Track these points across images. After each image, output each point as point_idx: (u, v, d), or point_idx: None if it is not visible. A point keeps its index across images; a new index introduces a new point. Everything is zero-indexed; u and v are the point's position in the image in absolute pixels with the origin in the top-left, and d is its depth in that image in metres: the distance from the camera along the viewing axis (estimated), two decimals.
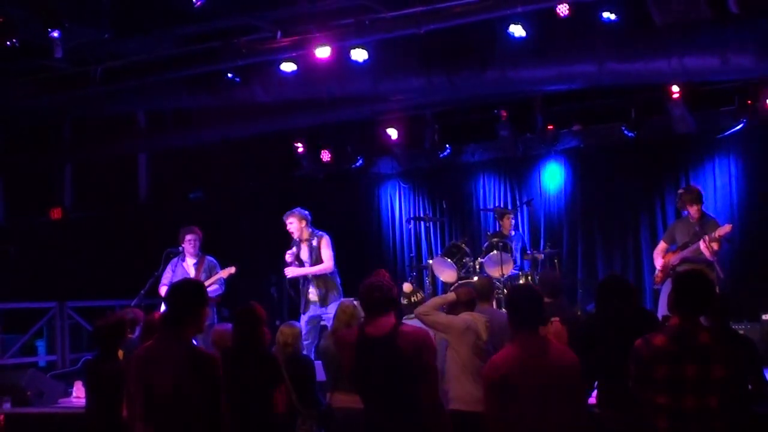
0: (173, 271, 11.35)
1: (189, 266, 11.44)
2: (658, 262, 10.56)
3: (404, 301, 8.68)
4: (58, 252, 16.71)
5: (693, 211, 10.23)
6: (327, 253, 11.05)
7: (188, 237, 11.43)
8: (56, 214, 17.48)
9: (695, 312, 5.26)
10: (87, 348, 14.07)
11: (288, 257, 11.10)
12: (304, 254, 11.21)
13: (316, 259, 11.07)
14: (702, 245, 9.86)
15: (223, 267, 11.46)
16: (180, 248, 11.40)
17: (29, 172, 16.88)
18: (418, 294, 8.96)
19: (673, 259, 10.28)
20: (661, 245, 10.68)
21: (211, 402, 5.16)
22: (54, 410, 10.68)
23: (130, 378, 5.40)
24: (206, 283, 10.78)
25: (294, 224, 11.12)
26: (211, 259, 11.58)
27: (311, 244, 11.14)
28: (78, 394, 10.87)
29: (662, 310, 9.62)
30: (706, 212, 10.50)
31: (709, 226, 10.10)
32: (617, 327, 6.67)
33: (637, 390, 5.38)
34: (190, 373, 5.15)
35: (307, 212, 11.19)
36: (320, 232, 11.20)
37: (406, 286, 9.76)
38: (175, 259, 11.52)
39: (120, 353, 7.92)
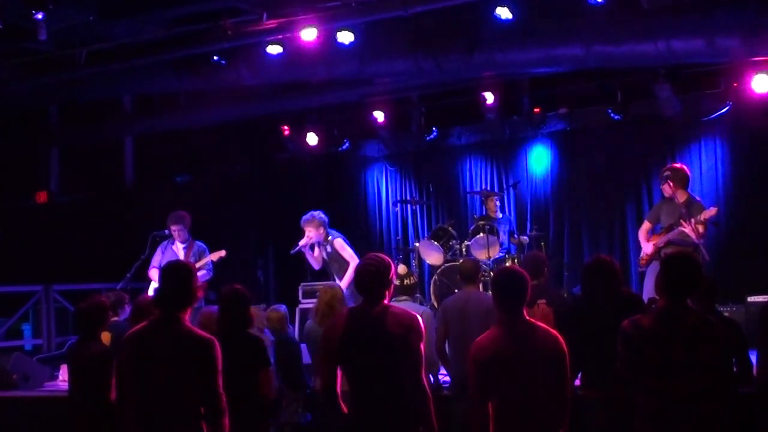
0: (162, 254, 11.38)
1: (179, 249, 11.47)
2: (644, 245, 10.56)
3: (396, 282, 8.67)
4: (44, 236, 16.66)
5: (679, 194, 10.21)
6: (347, 252, 11.27)
7: (173, 228, 11.43)
8: (42, 197, 17.43)
9: (683, 294, 5.28)
10: (73, 331, 14.04)
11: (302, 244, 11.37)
12: (321, 256, 11.45)
13: (337, 263, 11.29)
14: (688, 228, 9.85)
15: (211, 251, 11.47)
16: (166, 231, 11.39)
17: (15, 156, 16.80)
18: (412, 277, 8.95)
19: (659, 241, 10.27)
20: (645, 225, 10.67)
21: (210, 383, 5.17)
22: (40, 394, 10.67)
23: (122, 361, 5.38)
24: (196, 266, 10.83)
25: (312, 232, 11.30)
26: (201, 243, 11.59)
27: (326, 248, 11.37)
28: (64, 377, 10.83)
29: (647, 292, 9.62)
30: (692, 194, 10.49)
31: (695, 208, 10.08)
32: (603, 310, 6.69)
33: (624, 372, 5.39)
34: (187, 354, 5.16)
35: (324, 216, 11.32)
36: (333, 235, 11.38)
37: (401, 268, 9.75)
38: (165, 243, 11.55)
39: (107, 336, 7.92)
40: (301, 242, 11.36)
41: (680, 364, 5.12)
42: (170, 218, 11.46)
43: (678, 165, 10.74)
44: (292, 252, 11.53)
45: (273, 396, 7.11)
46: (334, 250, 11.28)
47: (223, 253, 11.41)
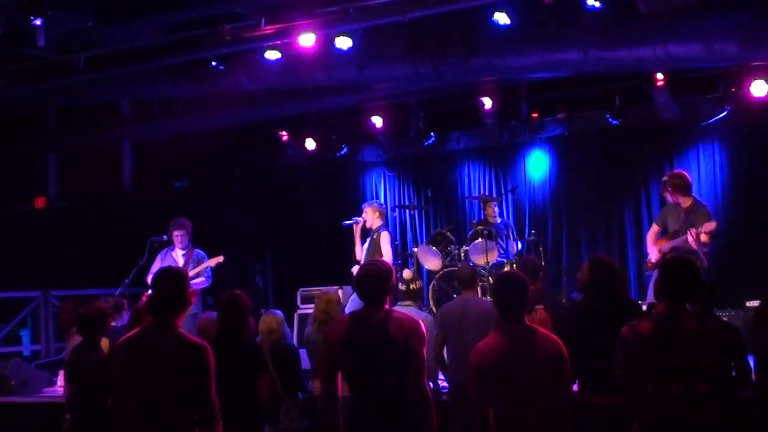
0: (162, 261, 11.41)
1: (178, 256, 11.54)
2: (651, 249, 10.50)
3: (402, 287, 8.68)
4: (43, 241, 16.65)
5: (682, 200, 10.16)
6: (386, 248, 11.51)
7: (176, 233, 11.53)
8: (40, 203, 17.42)
9: (682, 299, 5.28)
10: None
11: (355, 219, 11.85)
12: (366, 246, 11.63)
13: (374, 253, 11.41)
14: (689, 238, 9.80)
15: (210, 257, 11.49)
16: (164, 237, 11.40)
17: (13, 161, 16.80)
18: (418, 282, 8.95)
19: (664, 246, 10.24)
20: (654, 228, 10.59)
21: (202, 390, 5.17)
22: (38, 399, 10.67)
23: (116, 366, 5.38)
24: (193, 272, 10.91)
25: (368, 214, 11.76)
26: (200, 251, 11.67)
27: (372, 237, 11.61)
28: (62, 383, 10.84)
29: (651, 297, 9.62)
30: (697, 199, 10.41)
31: (699, 215, 10.01)
32: (601, 315, 6.69)
33: (623, 377, 5.40)
34: (180, 361, 5.15)
35: (384, 207, 11.72)
36: (383, 228, 11.68)
37: (407, 273, 9.76)
38: (165, 249, 11.63)
39: (105, 342, 7.91)
40: (356, 218, 11.83)
41: (679, 370, 5.13)
42: (172, 224, 11.52)
43: (677, 172, 10.69)
44: (344, 223, 11.99)
45: (268, 401, 7.10)
46: (378, 240, 11.56)
47: (220, 258, 11.46)
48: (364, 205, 11.78)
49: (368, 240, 11.75)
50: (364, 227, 11.83)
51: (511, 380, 5.27)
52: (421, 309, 9.03)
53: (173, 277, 5.49)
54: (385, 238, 11.51)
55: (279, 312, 8.52)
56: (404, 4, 10.47)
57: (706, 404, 5.16)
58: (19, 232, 16.85)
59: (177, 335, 5.26)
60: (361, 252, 11.73)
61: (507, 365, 5.28)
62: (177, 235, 11.53)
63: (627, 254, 13.55)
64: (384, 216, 11.77)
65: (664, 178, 10.35)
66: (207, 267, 11.42)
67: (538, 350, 5.35)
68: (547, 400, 5.30)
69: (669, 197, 10.22)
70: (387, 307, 5.51)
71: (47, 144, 17.11)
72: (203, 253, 11.61)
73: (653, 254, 10.40)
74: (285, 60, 11.66)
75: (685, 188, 10.16)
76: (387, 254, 11.34)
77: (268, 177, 16.42)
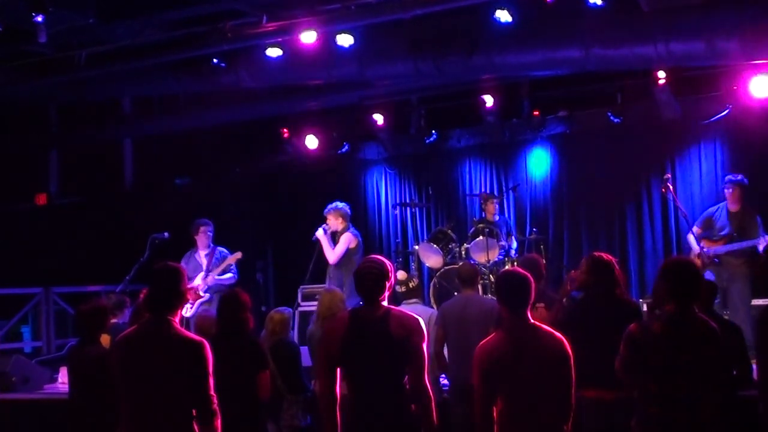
0: (186, 263, 11.63)
1: (201, 257, 11.85)
2: (695, 246, 10.64)
3: (401, 288, 8.70)
4: (44, 238, 16.65)
5: (736, 204, 10.53)
6: (339, 248, 11.38)
7: (203, 228, 11.88)
8: (41, 200, 17.41)
9: (690, 299, 5.29)
10: (72, 334, 14.04)
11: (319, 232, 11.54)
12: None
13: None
14: (761, 246, 9.97)
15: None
16: (165, 234, 11.42)
17: (14, 158, 16.79)
18: (414, 279, 8.96)
19: (719, 248, 10.33)
20: (696, 231, 10.77)
21: (200, 386, 5.16)
22: (39, 396, 10.67)
23: (114, 362, 5.39)
24: (218, 269, 11.56)
25: (331, 221, 11.54)
26: (222, 249, 11.91)
27: (340, 239, 11.48)
28: (63, 380, 10.85)
29: None
30: (745, 202, 10.73)
31: (751, 220, 10.32)
32: (601, 311, 6.70)
33: (624, 374, 5.41)
34: (177, 357, 5.15)
35: (347, 209, 11.62)
36: (349, 231, 11.53)
37: (401, 274, 9.77)
38: (188, 252, 11.94)
39: (106, 338, 7.93)
40: (319, 230, 11.57)
41: (686, 371, 5.14)
42: (198, 221, 11.98)
43: (741, 175, 10.90)
44: (313, 239, 11.67)
45: (269, 398, 7.12)
46: (339, 243, 11.43)
47: (239, 254, 11.82)
48: (325, 212, 11.61)
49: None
50: (333, 232, 11.63)
51: (516, 377, 5.29)
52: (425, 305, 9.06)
53: (169, 273, 5.48)
54: (343, 240, 11.38)
55: (288, 310, 8.54)
56: (406, 1, 10.47)
57: (709, 404, 5.17)
58: (20, 229, 16.85)
59: (174, 331, 5.26)
60: None
61: (511, 363, 5.30)
62: (203, 230, 11.90)
63: (628, 252, 13.53)
64: (347, 217, 11.58)
65: (737, 181, 10.55)
66: (230, 265, 11.65)
67: (542, 348, 5.36)
68: (551, 397, 5.33)
69: (736, 201, 10.63)
70: (385, 304, 5.51)
71: (48, 141, 17.12)
72: (226, 251, 11.87)
73: (696, 249, 10.64)
74: (286, 57, 11.66)
75: (742, 190, 10.62)
76: (338, 251, 11.33)
77: (269, 174, 16.41)
